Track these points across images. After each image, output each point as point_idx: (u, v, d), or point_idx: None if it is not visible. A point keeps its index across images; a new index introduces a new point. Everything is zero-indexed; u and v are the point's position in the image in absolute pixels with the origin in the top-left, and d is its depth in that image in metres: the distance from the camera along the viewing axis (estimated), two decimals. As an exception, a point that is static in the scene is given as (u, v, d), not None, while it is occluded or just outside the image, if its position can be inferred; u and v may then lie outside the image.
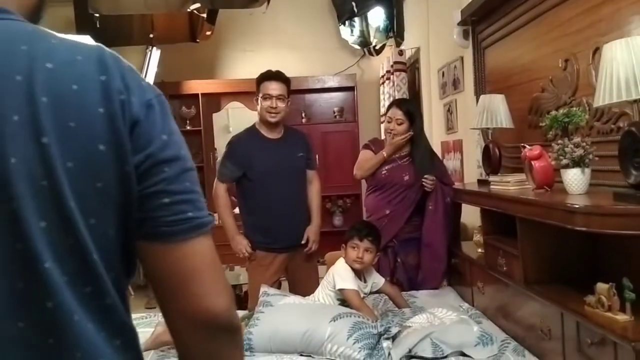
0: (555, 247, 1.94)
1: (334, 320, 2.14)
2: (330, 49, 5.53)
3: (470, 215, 3.07)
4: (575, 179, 1.74)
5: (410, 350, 2.01)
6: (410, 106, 3.07)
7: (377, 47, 5.25)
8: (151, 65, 4.59)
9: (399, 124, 2.94)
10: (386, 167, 2.99)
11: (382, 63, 4.96)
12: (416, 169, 2.95)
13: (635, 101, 1.47)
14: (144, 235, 0.68)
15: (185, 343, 0.72)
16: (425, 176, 2.88)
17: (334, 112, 5.52)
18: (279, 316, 2.24)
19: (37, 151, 0.61)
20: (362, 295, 2.47)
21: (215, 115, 5.59)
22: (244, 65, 5.39)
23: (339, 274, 2.46)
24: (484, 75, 3.00)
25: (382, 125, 3.58)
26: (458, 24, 3.14)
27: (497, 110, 2.45)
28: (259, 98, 2.86)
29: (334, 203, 5.46)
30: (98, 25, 3.55)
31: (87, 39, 1.12)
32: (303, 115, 5.48)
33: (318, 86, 5.46)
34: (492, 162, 2.53)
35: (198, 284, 0.68)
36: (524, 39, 2.50)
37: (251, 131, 2.94)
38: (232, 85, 5.34)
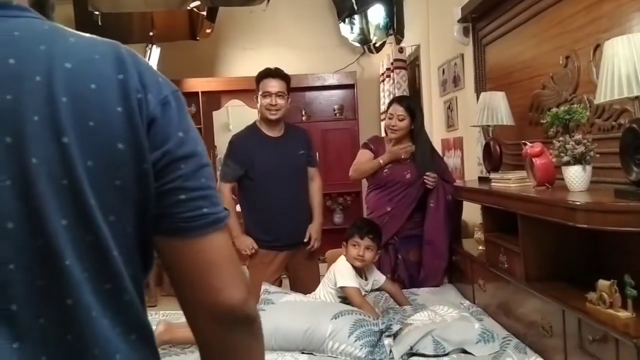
0: (556, 244, 1.94)
1: (335, 318, 2.14)
2: (330, 46, 5.53)
3: (471, 212, 3.07)
4: (576, 176, 1.74)
5: (411, 348, 2.02)
6: (411, 102, 3.06)
7: (377, 45, 5.25)
8: (151, 63, 4.56)
9: (400, 120, 2.94)
10: (388, 166, 2.98)
11: (382, 60, 4.95)
12: (417, 167, 2.94)
13: (636, 98, 1.47)
14: (161, 230, 0.69)
15: (203, 334, 0.73)
16: (427, 173, 2.88)
17: (334, 110, 5.52)
18: (280, 314, 2.24)
19: (58, 151, 0.61)
20: (363, 293, 2.48)
21: (215, 113, 5.59)
22: (244, 63, 5.39)
23: (340, 272, 2.46)
24: (484, 72, 3.00)
25: (383, 123, 3.58)
26: (458, 21, 3.13)
27: (497, 107, 2.45)
28: (259, 96, 2.86)
29: (334, 201, 5.46)
30: (100, 23, 3.54)
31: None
32: (303, 113, 5.48)
33: (318, 84, 5.45)
34: (493, 160, 2.53)
35: (215, 278, 0.70)
36: (525, 36, 2.50)
37: (252, 129, 2.94)
38: (232, 83, 5.34)
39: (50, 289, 0.62)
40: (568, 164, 1.75)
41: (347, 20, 5.20)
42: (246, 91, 4.55)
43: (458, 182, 2.98)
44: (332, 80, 5.45)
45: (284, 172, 2.84)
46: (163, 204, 0.68)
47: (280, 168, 2.83)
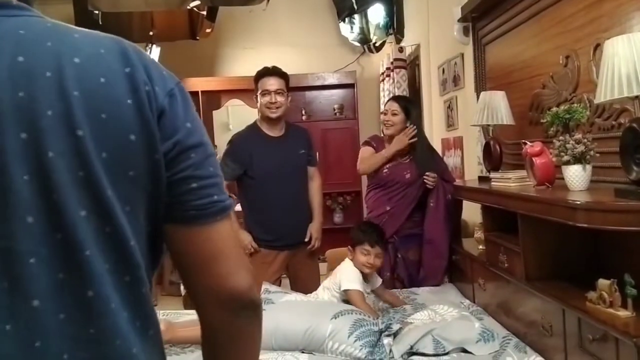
0: (556, 243, 1.94)
1: (335, 318, 2.14)
2: (330, 46, 5.53)
3: (471, 212, 3.07)
4: (576, 176, 1.74)
5: (411, 347, 2.02)
6: (407, 102, 3.10)
7: (377, 44, 5.25)
8: (151, 62, 4.58)
9: (394, 115, 2.98)
10: (388, 166, 2.99)
11: (382, 60, 4.95)
12: (417, 167, 2.95)
13: (636, 97, 1.47)
14: (171, 218, 0.71)
15: (210, 319, 0.75)
16: (427, 173, 2.89)
17: (334, 110, 5.51)
18: (280, 313, 2.24)
19: (73, 144, 0.62)
20: (365, 296, 2.48)
21: (215, 113, 5.59)
22: (244, 62, 5.38)
23: (346, 277, 2.45)
24: (484, 71, 3.00)
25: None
26: (458, 20, 3.13)
27: (497, 106, 2.45)
28: (258, 95, 2.86)
29: (334, 200, 5.46)
30: (100, 23, 3.54)
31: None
32: (303, 112, 5.48)
33: (318, 83, 5.44)
34: (493, 159, 2.53)
35: (222, 264, 0.72)
36: (525, 35, 2.49)
37: (252, 129, 2.94)
38: (232, 82, 5.33)
39: (70, 282, 0.63)
40: (568, 163, 1.75)
41: (347, 19, 5.19)
42: (246, 91, 4.53)
43: (458, 182, 2.98)
44: (332, 79, 5.45)
45: (284, 171, 2.84)
46: (175, 193, 0.69)
47: (281, 168, 2.83)
